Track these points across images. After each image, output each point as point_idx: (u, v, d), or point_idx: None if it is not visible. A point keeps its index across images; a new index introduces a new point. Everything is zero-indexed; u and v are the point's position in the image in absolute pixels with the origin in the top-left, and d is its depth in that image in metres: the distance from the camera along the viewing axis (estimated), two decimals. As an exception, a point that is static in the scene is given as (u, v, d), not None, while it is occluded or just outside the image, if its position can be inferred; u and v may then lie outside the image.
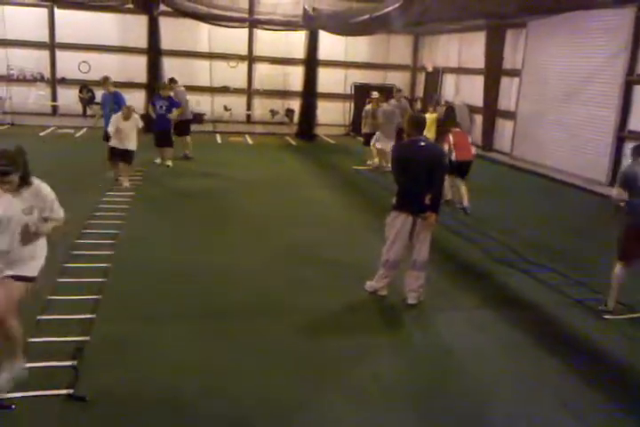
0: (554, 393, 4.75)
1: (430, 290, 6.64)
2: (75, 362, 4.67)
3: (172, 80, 14.70)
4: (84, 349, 4.89)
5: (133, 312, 5.79)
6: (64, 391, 4.27)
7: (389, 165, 10.51)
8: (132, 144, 11.07)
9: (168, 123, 12.91)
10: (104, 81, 12.33)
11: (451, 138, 10.52)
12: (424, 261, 6.33)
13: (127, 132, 10.99)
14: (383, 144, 13.66)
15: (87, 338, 5.09)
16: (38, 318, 5.39)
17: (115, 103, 12.06)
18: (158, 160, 13.20)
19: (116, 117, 11.06)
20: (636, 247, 6.13)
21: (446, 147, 10.24)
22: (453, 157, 10.25)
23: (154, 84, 17.56)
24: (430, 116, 14.85)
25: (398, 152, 6.30)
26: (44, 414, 4.05)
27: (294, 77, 21.06)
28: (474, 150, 10.87)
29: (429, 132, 14.84)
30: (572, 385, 4.90)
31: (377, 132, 13.98)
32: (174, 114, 12.90)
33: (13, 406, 4.09)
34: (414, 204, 6.08)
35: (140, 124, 11.30)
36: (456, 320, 6.10)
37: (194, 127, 19.40)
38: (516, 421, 4.39)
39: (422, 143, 6.09)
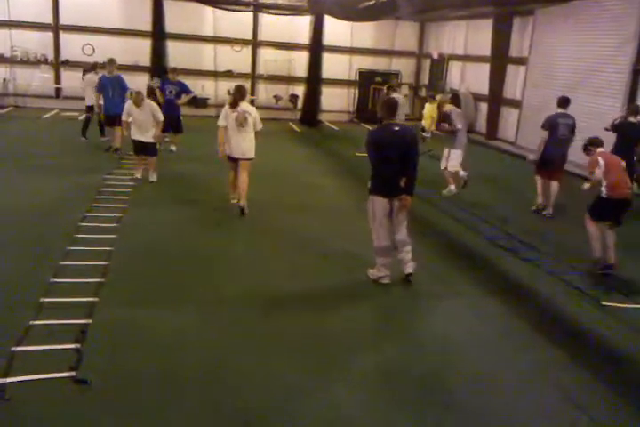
0: (555, 382, 4.76)
1: (431, 278, 6.66)
2: (78, 345, 4.69)
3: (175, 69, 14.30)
4: (87, 332, 4.91)
5: (136, 296, 5.80)
6: (66, 374, 4.29)
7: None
8: (150, 135, 10.09)
9: (177, 108, 12.77)
10: (110, 62, 12.21)
11: (601, 161, 7.12)
12: (406, 238, 6.49)
13: (142, 122, 9.96)
14: (455, 161, 10.46)
15: (89, 321, 5.10)
16: (41, 300, 5.41)
17: (120, 88, 12.08)
18: (174, 147, 12.91)
19: (128, 105, 10.15)
20: (547, 171, 9.59)
21: (598, 173, 7.09)
22: (604, 192, 7.10)
23: (158, 67, 17.51)
24: (430, 107, 14.80)
25: (373, 136, 6.33)
26: (47, 398, 4.07)
27: (299, 63, 20.95)
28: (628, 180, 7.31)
29: (427, 120, 14.81)
30: (573, 374, 4.92)
31: (450, 150, 10.40)
32: (183, 99, 12.79)
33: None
34: (390, 187, 6.25)
35: (160, 116, 10.06)
36: (457, 308, 6.11)
37: (198, 111, 19.44)
38: (517, 410, 4.40)
39: (397, 128, 6.18)
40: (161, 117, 10.15)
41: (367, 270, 6.61)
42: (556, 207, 9.78)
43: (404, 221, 6.45)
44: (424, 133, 14.82)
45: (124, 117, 10.22)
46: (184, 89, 12.77)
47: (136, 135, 10.15)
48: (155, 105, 10.22)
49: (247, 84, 8.26)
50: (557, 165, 9.66)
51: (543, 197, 9.76)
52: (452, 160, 10.40)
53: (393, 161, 6.13)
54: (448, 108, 10.52)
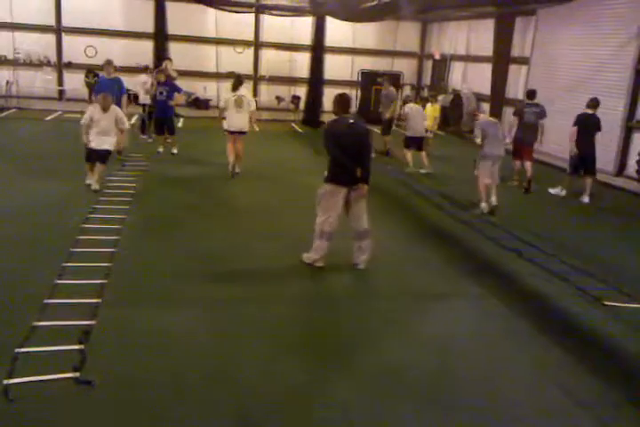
0: (557, 381, 4.76)
1: (435, 277, 6.66)
2: (81, 346, 4.70)
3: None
4: (90, 332, 4.92)
5: (139, 297, 5.82)
6: (70, 375, 4.29)
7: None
8: (109, 142, 9.53)
9: (169, 109, 12.75)
10: (107, 64, 12.03)
11: None
12: (367, 230, 6.74)
13: (104, 127, 9.44)
14: (488, 173, 9.78)
15: (93, 322, 5.11)
16: (45, 301, 5.42)
17: (118, 90, 11.94)
18: (161, 149, 12.83)
19: (91, 107, 9.60)
20: (519, 151, 11.58)
21: None
22: None
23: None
24: (432, 108, 14.72)
25: (331, 128, 6.75)
26: (50, 399, 4.07)
27: (301, 64, 20.96)
28: None
29: (429, 121, 14.67)
30: (575, 373, 4.91)
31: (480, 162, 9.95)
32: (178, 99, 12.79)
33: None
34: (348, 176, 6.55)
35: (125, 123, 9.82)
36: (460, 308, 6.11)
37: (200, 113, 19.47)
38: (519, 409, 4.39)
39: (351, 120, 6.61)
40: (127, 125, 9.98)
41: (302, 255, 6.80)
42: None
43: (363, 211, 6.70)
44: (425, 134, 14.73)
45: (82, 121, 9.46)
46: (175, 89, 12.76)
47: (93, 143, 9.40)
48: (121, 112, 9.83)
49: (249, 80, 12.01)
50: (527, 146, 11.52)
51: (519, 175, 11.66)
52: (477, 170, 10.00)
53: (349, 151, 6.46)
54: (478, 118, 11.34)
